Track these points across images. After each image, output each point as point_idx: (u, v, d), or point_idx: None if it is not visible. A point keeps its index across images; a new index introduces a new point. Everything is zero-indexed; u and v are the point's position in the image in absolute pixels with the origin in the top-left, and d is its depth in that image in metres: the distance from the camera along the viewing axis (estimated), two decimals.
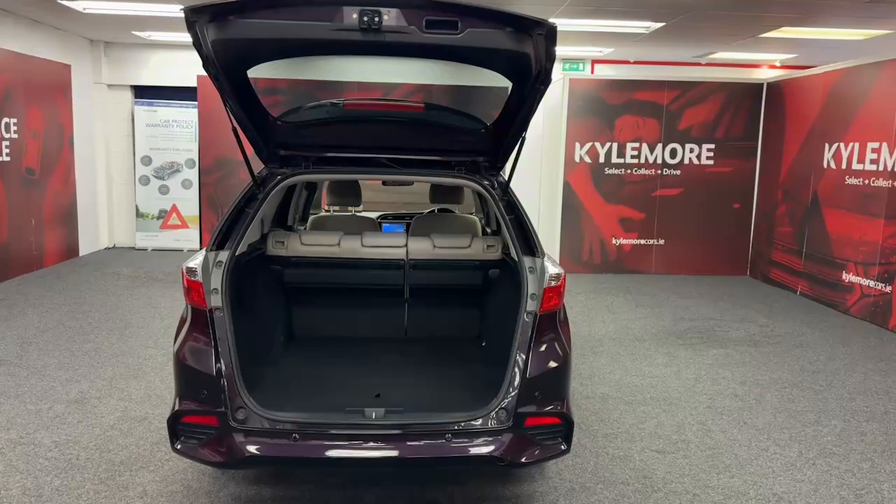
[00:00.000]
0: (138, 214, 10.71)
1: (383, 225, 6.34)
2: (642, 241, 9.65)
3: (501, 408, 2.92)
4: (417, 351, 4.04)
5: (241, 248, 3.23)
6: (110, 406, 4.49)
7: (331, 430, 2.85)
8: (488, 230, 5.43)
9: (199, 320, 2.99)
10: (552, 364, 3.05)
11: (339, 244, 4.07)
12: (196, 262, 3.00)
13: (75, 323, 6.48)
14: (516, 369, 2.96)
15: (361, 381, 3.43)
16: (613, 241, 9.63)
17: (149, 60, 10.60)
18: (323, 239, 4.10)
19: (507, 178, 3.48)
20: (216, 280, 3.01)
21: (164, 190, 10.69)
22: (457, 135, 3.58)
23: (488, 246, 4.15)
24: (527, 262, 3.15)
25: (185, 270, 3.00)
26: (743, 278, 9.67)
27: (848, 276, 7.75)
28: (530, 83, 2.91)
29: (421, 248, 4.13)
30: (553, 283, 3.07)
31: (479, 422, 2.90)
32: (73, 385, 4.85)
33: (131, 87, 10.80)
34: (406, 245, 4.13)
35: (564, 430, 3.02)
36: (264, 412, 2.85)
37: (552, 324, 3.14)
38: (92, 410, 4.41)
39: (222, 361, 2.89)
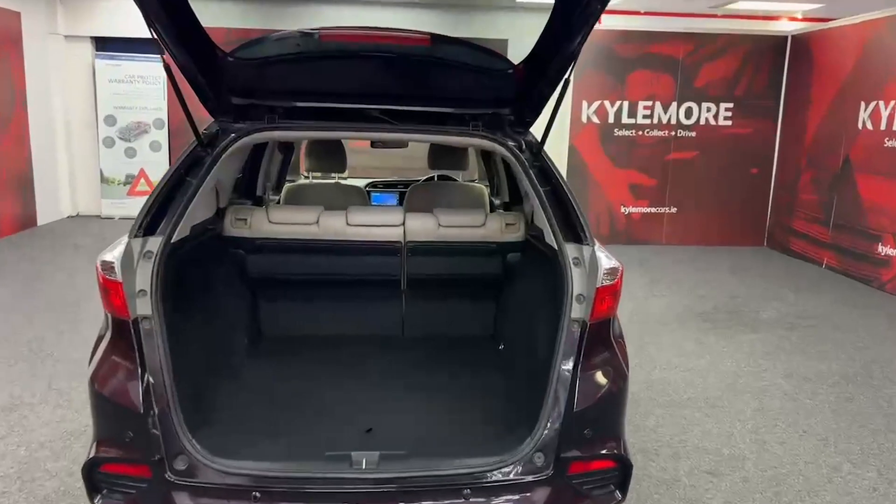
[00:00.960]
0: (103, 180, 9.80)
1: (372, 195, 5.47)
2: (653, 210, 8.89)
3: (538, 450, 2.17)
4: (418, 356, 3.27)
5: (182, 232, 2.42)
6: (44, 416, 3.71)
7: (306, 485, 2.10)
8: (496, 201, 4.61)
9: (120, 335, 2.21)
10: (607, 391, 2.30)
11: (317, 222, 3.26)
12: (114, 253, 2.19)
13: (20, 304, 5.65)
14: (558, 397, 2.21)
15: (347, 405, 2.66)
16: (622, 210, 8.87)
17: (111, 8, 9.54)
18: (297, 215, 3.29)
19: (540, 137, 2.65)
20: (143, 278, 2.20)
21: (130, 153, 9.76)
22: (473, 78, 2.73)
23: (507, 224, 3.36)
24: (570, 251, 2.37)
25: (99, 265, 2.19)
26: (759, 249, 8.97)
27: (884, 249, 7.04)
28: (583, 1, 2.11)
29: (422, 227, 3.33)
30: (608, 281, 2.29)
31: (509, 470, 2.15)
32: (3, 387, 4.05)
33: (91, 38, 9.77)
34: (403, 223, 3.32)
35: (620, 475, 2.29)
36: (214, 460, 2.09)
37: (605, 336, 2.39)
38: (21, 422, 3.63)
39: (153, 392, 2.11)
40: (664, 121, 8.67)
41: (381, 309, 3.48)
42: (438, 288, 3.46)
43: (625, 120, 8.62)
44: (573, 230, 2.41)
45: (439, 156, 4.06)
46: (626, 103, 8.58)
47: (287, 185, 4.24)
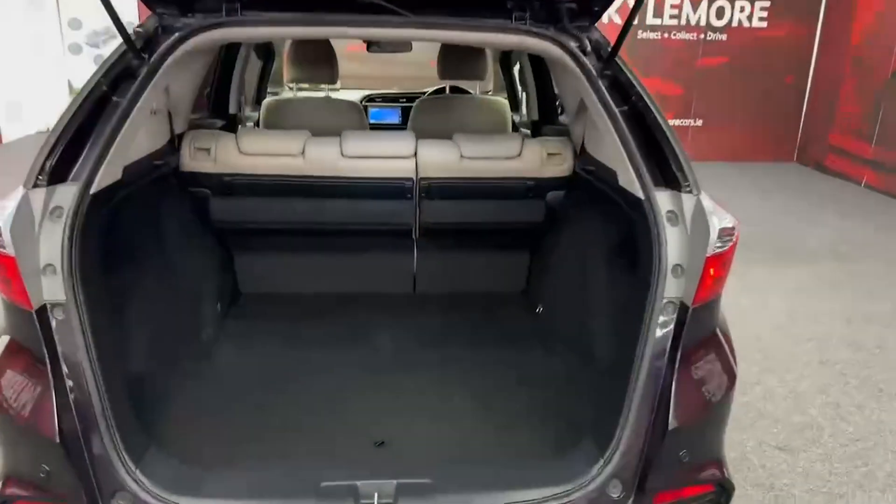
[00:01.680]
0: (72, 91, 8.91)
1: (370, 110, 4.67)
2: (678, 122, 8.12)
3: (614, 476, 1.58)
4: (435, 325, 2.65)
5: (110, 176, 1.73)
6: None
7: None
8: (516, 118, 3.87)
9: (22, 331, 1.56)
10: (711, 401, 1.70)
11: (303, 153, 2.56)
12: (5, 214, 1.51)
13: None
14: (644, 407, 1.60)
15: (349, 403, 2.07)
16: None
17: None
18: (276, 143, 2.57)
19: (613, 41, 1.89)
20: (50, 247, 1.53)
21: (100, 61, 8.81)
22: None
23: (550, 155, 2.65)
24: (663, 201, 1.69)
25: None
26: (790, 165, 8.28)
27: None
28: None
29: (440, 158, 2.62)
30: (719, 248, 1.63)
31: (577, 497, 1.57)
32: None
33: None
34: (415, 154, 2.61)
35: (718, 500, 1.72)
36: (168, 500, 1.50)
37: (709, 324, 1.76)
38: None
39: (75, 409, 1.50)
40: (693, 22, 7.77)
41: (387, 261, 2.83)
42: (459, 237, 2.80)
43: (650, 20, 7.72)
44: (667, 171, 1.72)
45: (453, 61, 3.24)
46: (651, 1, 7.66)
47: (266, 101, 3.47)
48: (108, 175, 1.68)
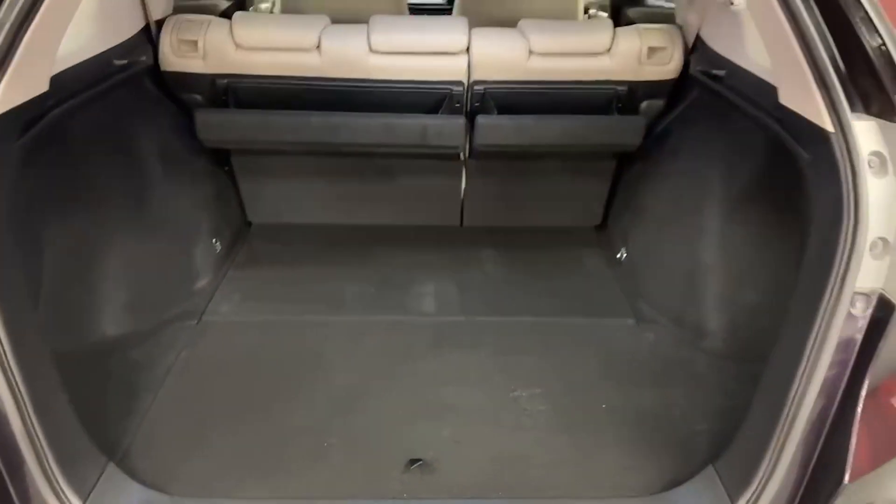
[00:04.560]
0: None
1: None
2: None
3: None
4: (489, 271, 2.08)
5: (30, 88, 1.18)
6: None
7: None
8: None
9: None
10: None
11: (318, 47, 1.92)
12: None
13: None
14: (798, 441, 1.13)
15: (374, 390, 1.55)
16: None
17: None
18: (282, 34, 1.93)
19: None
20: None
21: None
22: None
23: (651, 49, 1.95)
24: (864, 135, 1.06)
25: None
26: None
27: None
28: None
29: (501, 54, 1.96)
30: None
31: None
32: None
33: None
34: (467, 48, 1.97)
35: None
36: None
37: None
38: None
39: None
40: None
41: (430, 187, 2.22)
42: (522, 162, 2.17)
43: None
44: (871, 85, 1.05)
45: None
46: None
47: None
48: (18, 86, 1.12)
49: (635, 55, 1.95)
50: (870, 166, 1.07)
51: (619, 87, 1.98)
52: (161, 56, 1.91)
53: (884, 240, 1.05)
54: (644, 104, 2.03)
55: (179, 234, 1.91)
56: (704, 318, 1.68)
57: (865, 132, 1.07)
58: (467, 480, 1.31)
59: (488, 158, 2.13)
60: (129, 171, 1.75)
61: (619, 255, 2.10)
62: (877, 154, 1.06)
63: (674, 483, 1.28)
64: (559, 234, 2.29)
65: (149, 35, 1.88)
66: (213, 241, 2.03)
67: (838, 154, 1.08)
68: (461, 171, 2.20)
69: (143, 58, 1.84)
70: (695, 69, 1.90)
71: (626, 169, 2.19)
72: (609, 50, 1.94)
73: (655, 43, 1.95)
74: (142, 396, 1.49)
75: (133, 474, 1.26)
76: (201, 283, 1.92)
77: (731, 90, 1.62)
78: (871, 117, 1.08)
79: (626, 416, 1.50)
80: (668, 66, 1.97)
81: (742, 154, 1.56)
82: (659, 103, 2.03)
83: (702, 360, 1.61)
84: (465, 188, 2.24)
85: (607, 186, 2.25)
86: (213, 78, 1.94)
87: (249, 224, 2.28)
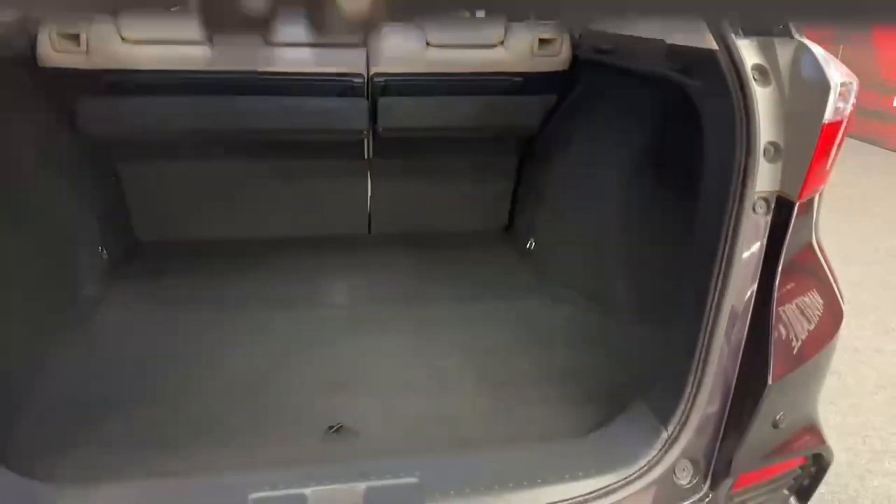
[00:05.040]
0: None
1: None
2: None
3: (686, 457, 1.08)
4: (401, 270, 2.05)
5: None
6: None
7: None
8: None
9: None
10: (816, 343, 1.23)
11: (210, 39, 1.86)
12: None
13: None
14: (725, 356, 1.13)
15: (283, 372, 1.47)
16: None
17: None
18: (169, 26, 1.87)
19: None
20: None
21: None
22: None
23: (542, 42, 2.05)
24: (746, 51, 1.17)
25: None
26: None
27: None
28: None
29: (400, 49, 1.98)
30: (831, 116, 1.10)
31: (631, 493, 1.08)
32: None
33: None
34: (365, 43, 1.98)
35: (806, 475, 1.28)
36: None
37: (808, 232, 1.24)
38: None
39: None
40: None
41: (334, 193, 2.20)
42: (426, 155, 2.18)
43: None
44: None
45: None
46: None
47: None
48: None
49: (527, 47, 2.04)
50: (754, 78, 1.15)
51: (515, 79, 2.06)
52: (39, 52, 1.80)
53: (775, 144, 1.13)
54: (538, 98, 2.12)
55: (61, 239, 1.76)
56: (615, 287, 1.71)
57: (747, 48, 1.18)
58: (393, 441, 1.23)
59: (393, 152, 2.13)
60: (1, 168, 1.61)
61: (528, 246, 2.14)
62: (758, 67, 1.17)
63: (604, 424, 1.27)
64: (469, 236, 2.32)
65: (21, 28, 1.77)
66: (100, 249, 1.89)
67: (725, 68, 1.16)
68: (366, 173, 2.18)
69: (19, 51, 1.73)
70: (585, 54, 2.00)
71: (527, 165, 2.25)
72: (503, 42, 2.03)
73: (545, 34, 2.05)
74: (21, 396, 1.34)
75: (13, 467, 1.12)
76: (87, 290, 1.78)
77: (620, 58, 1.71)
78: (751, 37, 1.18)
79: (551, 374, 1.50)
80: (558, 58, 2.08)
81: (632, 117, 1.64)
82: (552, 96, 2.12)
83: (618, 325, 1.64)
84: (371, 192, 2.22)
85: (511, 184, 2.31)
86: (98, 74, 1.84)
87: (141, 243, 2.15)
